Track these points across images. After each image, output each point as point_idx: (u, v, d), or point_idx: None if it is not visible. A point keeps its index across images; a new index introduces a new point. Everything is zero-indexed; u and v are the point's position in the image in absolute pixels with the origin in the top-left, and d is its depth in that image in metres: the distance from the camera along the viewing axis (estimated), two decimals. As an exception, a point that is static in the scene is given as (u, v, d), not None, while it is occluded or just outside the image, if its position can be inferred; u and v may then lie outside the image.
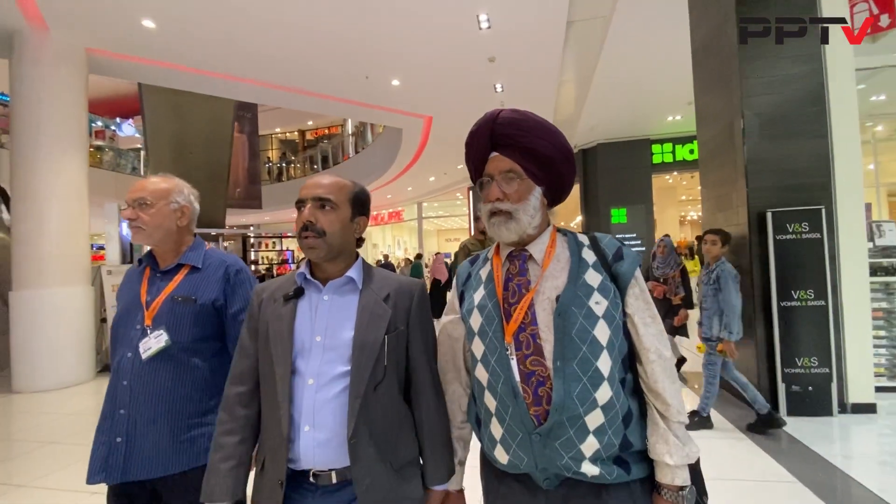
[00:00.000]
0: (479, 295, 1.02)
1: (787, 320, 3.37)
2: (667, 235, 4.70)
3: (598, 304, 0.92)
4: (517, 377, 0.92)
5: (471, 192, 17.10)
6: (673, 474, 0.91)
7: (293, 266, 14.18)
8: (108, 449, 1.20)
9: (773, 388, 3.42)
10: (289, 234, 15.42)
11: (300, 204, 1.04)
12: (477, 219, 4.54)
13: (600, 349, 0.90)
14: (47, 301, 5.10)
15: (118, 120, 16.05)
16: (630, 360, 0.97)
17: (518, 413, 0.91)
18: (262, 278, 11.72)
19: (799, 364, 3.34)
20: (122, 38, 5.49)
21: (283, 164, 20.57)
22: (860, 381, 3.40)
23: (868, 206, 5.00)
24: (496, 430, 0.96)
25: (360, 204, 1.11)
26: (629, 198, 10.49)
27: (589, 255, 0.98)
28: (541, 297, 0.95)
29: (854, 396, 3.39)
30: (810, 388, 3.33)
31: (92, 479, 1.20)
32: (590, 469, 0.89)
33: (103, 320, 5.82)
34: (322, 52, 6.09)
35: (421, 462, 1.08)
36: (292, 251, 14.50)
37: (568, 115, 9.61)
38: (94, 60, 5.77)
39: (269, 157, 21.08)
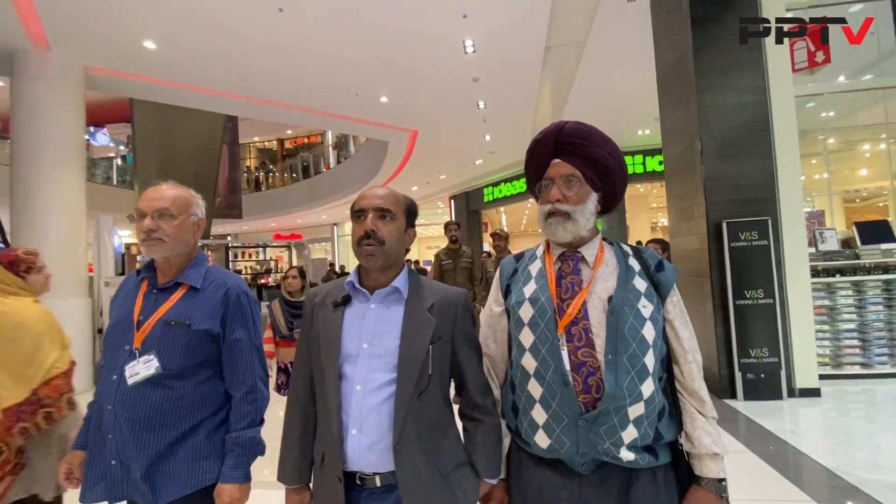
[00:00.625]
0: (529, 289, 1.07)
1: (741, 317, 3.85)
2: (639, 242, 5.17)
3: (645, 307, 0.99)
4: (567, 366, 0.98)
5: (452, 201, 17.49)
6: (718, 467, 0.98)
7: (276, 275, 14.21)
8: (103, 470, 1.18)
9: (731, 375, 3.89)
10: (272, 244, 15.47)
11: (361, 213, 1.08)
12: (446, 227, 4.61)
13: (647, 347, 0.98)
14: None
15: (91, 129, 15.80)
16: (667, 361, 1.05)
17: (566, 400, 0.97)
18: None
19: (752, 355, 3.82)
20: (122, 57, 5.67)
21: (262, 174, 20.55)
22: (806, 369, 3.91)
23: (822, 213, 5.60)
24: (539, 415, 1.01)
25: (412, 215, 1.15)
26: (604, 207, 11.09)
27: (634, 264, 1.06)
28: (592, 297, 1.01)
29: (801, 382, 3.90)
30: (762, 375, 3.81)
31: (85, 496, 1.18)
32: (626, 455, 0.95)
33: (100, 331, 5.91)
34: (315, 71, 6.40)
35: (470, 461, 1.10)
36: (275, 260, 14.56)
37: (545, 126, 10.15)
38: (91, 77, 5.92)
39: (247, 167, 21.02)
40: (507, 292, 1.13)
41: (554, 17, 5.38)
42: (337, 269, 14.45)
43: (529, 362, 1.02)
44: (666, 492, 0.99)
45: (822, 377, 4.05)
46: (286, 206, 17.52)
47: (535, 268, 1.10)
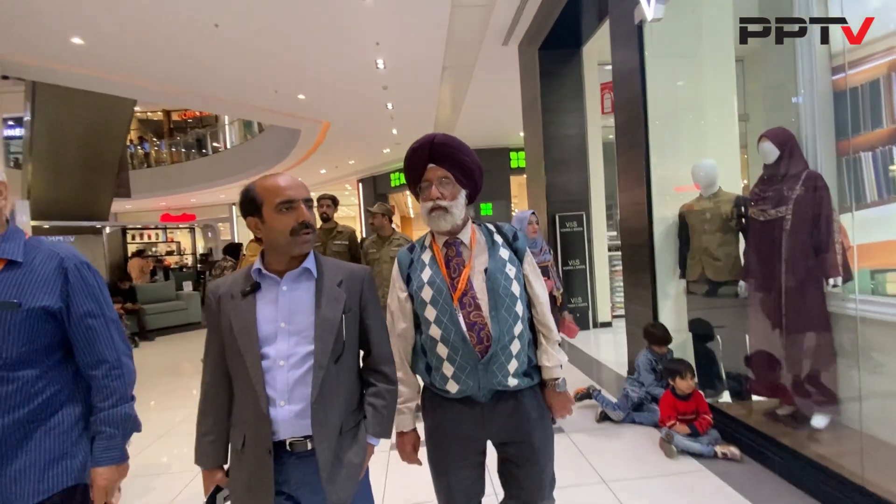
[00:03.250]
0: (426, 274, 1.31)
1: (567, 277, 5.83)
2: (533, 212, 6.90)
3: (510, 270, 1.30)
4: (464, 328, 1.25)
5: (360, 184, 18.31)
6: (552, 372, 1.35)
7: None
8: None
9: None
10: (174, 226, 14.94)
11: (291, 203, 1.12)
12: (318, 202, 3.80)
13: (516, 299, 1.29)
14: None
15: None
16: (528, 304, 1.36)
17: (467, 353, 1.25)
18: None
19: (573, 302, 5.83)
20: (46, 50, 5.84)
21: (149, 148, 19.23)
22: (604, 310, 6.04)
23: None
24: (448, 369, 1.27)
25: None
26: (494, 195, 13.09)
27: (498, 238, 1.36)
28: (474, 271, 1.29)
29: (601, 318, 6.02)
30: (578, 314, 5.85)
31: None
32: (512, 381, 1.28)
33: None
34: (240, 73, 7.07)
35: (364, 419, 1.22)
36: (178, 242, 14.19)
37: (446, 125, 11.68)
38: (5, 64, 5.95)
39: (130, 140, 19.39)
40: (408, 280, 1.36)
41: (448, 46, 6.80)
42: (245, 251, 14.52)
43: (435, 331, 1.28)
44: (541, 402, 1.37)
45: (616, 316, 6.24)
46: (179, 184, 16.68)
47: (427, 256, 1.36)
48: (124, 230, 12.47)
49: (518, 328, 1.29)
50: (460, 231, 1.35)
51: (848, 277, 2.30)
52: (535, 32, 5.73)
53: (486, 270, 1.28)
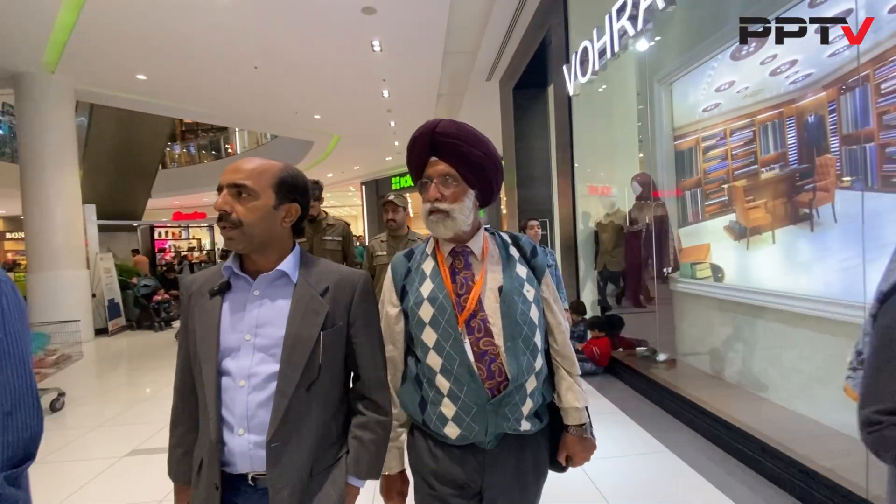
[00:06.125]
0: (426, 288, 1.10)
1: (533, 271, 7.24)
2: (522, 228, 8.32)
3: (528, 291, 1.09)
4: (471, 358, 1.03)
5: (363, 187, 19.71)
6: (580, 416, 1.14)
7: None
8: None
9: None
10: (194, 224, 16.32)
11: (218, 191, 0.97)
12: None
13: (535, 327, 1.08)
14: (59, 281, 6.81)
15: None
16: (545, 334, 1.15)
17: (474, 390, 1.03)
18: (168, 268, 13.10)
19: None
20: (114, 83, 7.25)
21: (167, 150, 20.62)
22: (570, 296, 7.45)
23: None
24: (448, 409, 1.05)
25: (288, 189, 1.00)
26: (485, 199, 14.50)
27: (514, 252, 1.15)
28: (485, 288, 1.08)
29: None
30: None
31: None
32: (525, 425, 1.07)
33: (94, 295, 7.53)
34: (268, 99, 8.49)
35: (345, 455, 1.03)
36: (199, 239, 15.59)
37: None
38: (79, 91, 7.35)
39: (144, 142, 20.75)
40: (402, 293, 1.14)
41: (442, 80, 8.21)
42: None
43: (435, 360, 1.06)
44: (545, 447, 1.17)
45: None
46: (192, 184, 18.08)
47: (428, 266, 1.14)
48: (152, 228, 13.90)
49: (538, 363, 1.10)
50: (470, 239, 1.14)
51: (676, 267, 3.73)
52: (511, 75, 7.14)
53: (500, 290, 1.08)
